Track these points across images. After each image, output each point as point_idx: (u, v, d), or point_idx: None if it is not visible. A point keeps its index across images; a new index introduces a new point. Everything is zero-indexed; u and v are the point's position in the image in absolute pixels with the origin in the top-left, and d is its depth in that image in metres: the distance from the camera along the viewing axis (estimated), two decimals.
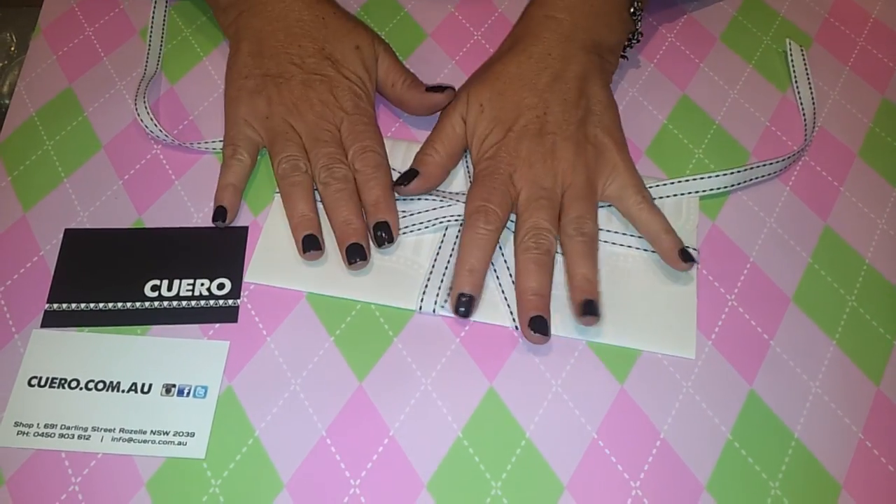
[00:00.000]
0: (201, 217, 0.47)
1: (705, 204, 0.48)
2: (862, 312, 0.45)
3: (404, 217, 0.45)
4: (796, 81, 0.53)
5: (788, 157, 0.49)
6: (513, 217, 0.45)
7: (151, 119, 0.49)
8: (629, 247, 0.45)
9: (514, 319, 0.43)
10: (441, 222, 0.45)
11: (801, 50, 0.54)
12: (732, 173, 0.48)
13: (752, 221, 0.48)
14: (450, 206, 0.45)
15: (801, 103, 0.52)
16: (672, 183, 0.47)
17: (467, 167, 0.47)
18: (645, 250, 0.45)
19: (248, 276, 0.44)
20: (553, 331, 0.42)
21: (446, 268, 0.44)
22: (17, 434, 0.40)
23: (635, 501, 0.39)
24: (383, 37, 0.53)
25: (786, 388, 0.42)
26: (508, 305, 0.43)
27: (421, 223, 0.45)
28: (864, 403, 0.42)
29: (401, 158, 0.48)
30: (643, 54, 0.55)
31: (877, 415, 0.42)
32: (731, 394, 0.42)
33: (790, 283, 0.46)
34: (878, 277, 0.46)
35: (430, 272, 0.44)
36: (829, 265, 0.46)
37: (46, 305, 0.43)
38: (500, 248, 0.45)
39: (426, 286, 0.43)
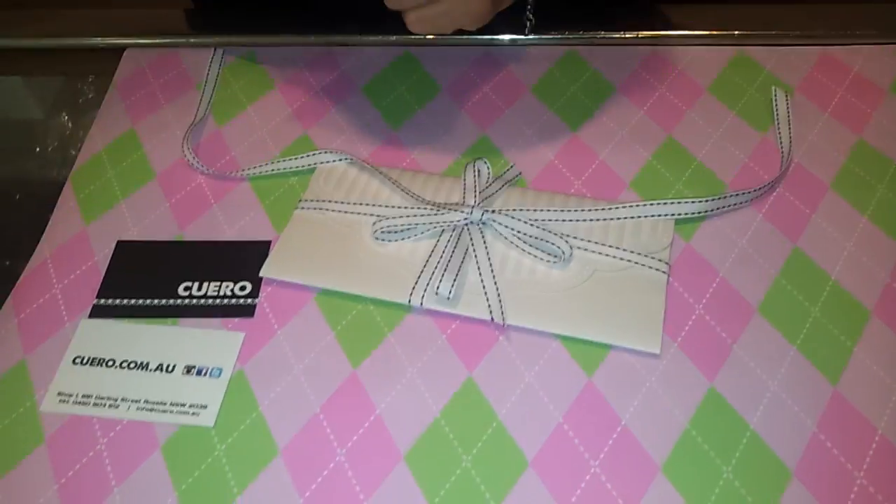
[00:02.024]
0: (233, 233, 0.54)
1: (681, 228, 0.52)
2: (824, 322, 0.48)
3: (405, 228, 0.51)
4: (778, 122, 0.58)
5: (763, 187, 0.53)
6: (489, 216, 0.50)
7: (192, 154, 0.57)
8: (607, 255, 0.50)
9: (491, 312, 0.48)
10: (436, 227, 0.51)
11: (786, 95, 0.59)
12: (707, 200, 0.52)
13: (725, 243, 0.52)
14: (444, 214, 0.51)
15: (780, 140, 0.57)
16: (649, 205, 0.52)
17: (465, 181, 0.53)
18: (620, 259, 0.50)
19: (263, 272, 0.51)
20: (528, 325, 0.47)
21: (435, 269, 0.49)
22: (59, 402, 0.46)
23: (593, 478, 0.42)
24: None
25: (745, 385, 0.45)
26: (487, 299, 0.48)
27: (419, 229, 0.51)
28: (820, 401, 0.45)
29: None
30: (634, 102, 0.61)
31: (832, 411, 0.44)
32: (692, 389, 0.45)
33: (756, 295, 0.49)
34: (842, 292, 0.49)
35: (422, 270, 0.50)
36: (795, 281, 0.50)
37: (95, 300, 0.51)
38: (484, 241, 0.50)
39: (416, 282, 0.49)
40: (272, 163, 0.57)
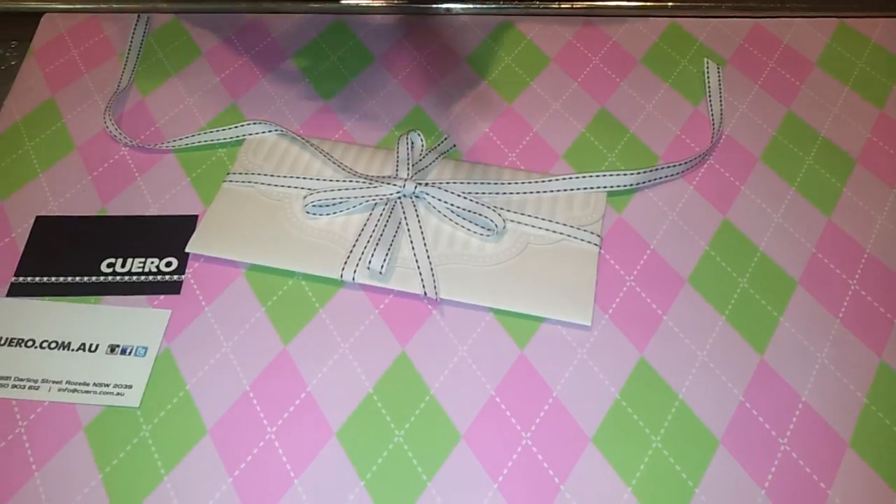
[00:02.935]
0: (157, 207, 0.52)
1: (613, 200, 0.53)
2: (752, 293, 0.49)
3: (336, 201, 0.50)
4: (709, 94, 0.58)
5: (693, 159, 0.54)
6: (422, 189, 0.50)
7: (115, 126, 0.55)
8: (539, 228, 0.50)
9: (423, 286, 0.47)
10: (368, 201, 0.50)
11: (718, 67, 0.60)
12: (639, 173, 0.52)
13: (656, 215, 0.52)
14: (377, 187, 0.50)
15: (712, 113, 0.57)
16: (582, 177, 0.52)
17: (398, 153, 0.52)
18: (553, 232, 0.50)
19: (190, 247, 0.49)
20: (461, 299, 0.47)
21: (367, 243, 0.49)
22: None
23: (525, 449, 0.42)
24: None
25: (675, 356, 0.46)
26: (420, 274, 0.48)
27: (351, 203, 0.50)
28: (747, 371, 0.45)
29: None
30: (568, 73, 0.60)
31: (758, 381, 0.45)
32: (623, 360, 0.46)
33: (686, 266, 0.50)
34: (769, 263, 0.50)
35: (354, 244, 0.49)
36: (724, 252, 0.50)
37: (13, 278, 0.49)
38: (417, 215, 0.50)
39: (348, 256, 0.48)
40: (199, 134, 0.55)
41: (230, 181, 0.53)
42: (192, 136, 0.55)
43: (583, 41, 0.63)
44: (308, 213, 0.50)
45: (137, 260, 0.50)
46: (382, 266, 0.47)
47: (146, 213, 0.52)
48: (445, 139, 0.55)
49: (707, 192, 0.53)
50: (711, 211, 0.52)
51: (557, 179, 0.52)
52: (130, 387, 0.45)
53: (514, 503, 0.41)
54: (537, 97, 0.59)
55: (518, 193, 0.51)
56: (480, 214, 0.49)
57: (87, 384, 0.45)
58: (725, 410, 0.44)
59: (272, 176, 0.53)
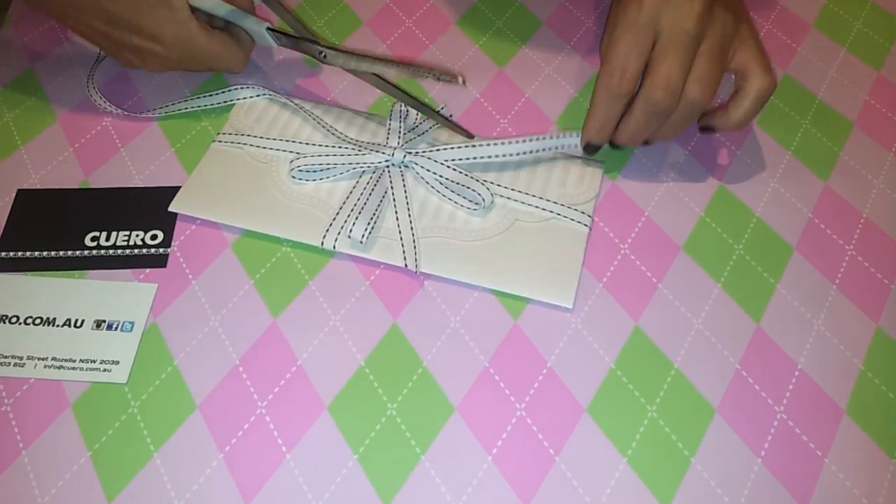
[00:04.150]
0: (142, 179, 0.51)
1: (608, 166, 0.52)
2: (748, 259, 0.48)
3: (323, 167, 0.49)
4: None
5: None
6: (411, 158, 0.49)
7: (98, 94, 0.54)
8: (528, 205, 0.49)
9: (405, 259, 0.46)
10: (356, 169, 0.49)
11: None
12: None
13: (650, 181, 0.51)
14: (365, 154, 0.49)
15: None
16: (569, 135, 0.50)
17: (389, 122, 0.51)
18: (543, 209, 0.49)
19: (174, 206, 0.49)
20: (443, 273, 0.46)
21: (351, 211, 0.48)
22: None
23: (519, 421, 0.42)
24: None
25: (670, 324, 0.45)
26: (402, 245, 0.47)
27: (338, 169, 0.49)
28: (743, 338, 0.45)
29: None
30: (561, 36, 0.59)
31: (754, 349, 0.45)
32: (617, 329, 0.45)
33: (681, 233, 0.49)
34: (766, 228, 0.49)
35: (337, 212, 0.48)
36: (719, 218, 0.50)
37: None
38: (404, 185, 0.49)
39: (330, 224, 0.47)
40: (185, 101, 0.54)
41: (220, 141, 0.52)
42: (180, 101, 0.54)
43: (574, 2, 0.61)
44: (294, 177, 0.49)
45: (122, 233, 0.49)
46: (364, 236, 0.46)
47: (130, 185, 0.51)
48: (443, 107, 0.53)
49: (702, 157, 0.52)
50: (707, 177, 0.51)
51: (544, 139, 0.49)
52: (117, 363, 0.44)
53: (509, 475, 0.40)
54: (529, 61, 0.58)
55: (512, 156, 0.50)
56: (468, 187, 0.48)
57: (74, 360, 0.44)
58: (721, 379, 0.43)
59: (261, 138, 0.51)
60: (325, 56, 0.51)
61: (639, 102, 0.45)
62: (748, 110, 0.47)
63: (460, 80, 0.48)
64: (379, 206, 0.48)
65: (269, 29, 0.52)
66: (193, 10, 0.50)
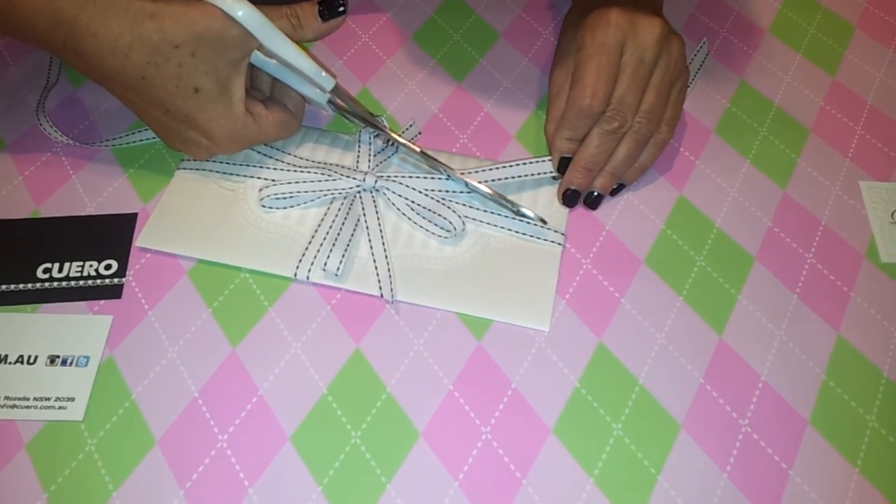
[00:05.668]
0: (94, 206, 0.50)
1: None
2: (709, 271, 0.48)
3: (293, 195, 0.48)
4: None
5: None
6: (383, 183, 0.49)
7: (49, 123, 0.52)
8: (501, 227, 0.48)
9: (380, 289, 0.46)
10: (326, 195, 0.48)
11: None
12: None
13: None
14: (336, 180, 0.48)
15: None
16: (537, 162, 0.50)
17: (358, 145, 0.51)
18: (515, 232, 0.48)
19: (140, 241, 0.48)
20: (419, 301, 0.46)
21: (323, 241, 0.47)
22: None
23: (485, 444, 0.42)
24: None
25: (633, 339, 0.45)
26: (378, 275, 0.46)
27: (308, 196, 0.48)
28: (706, 352, 0.45)
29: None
30: (519, 49, 0.59)
31: (718, 362, 0.45)
32: (581, 346, 0.45)
33: (643, 247, 0.49)
34: (726, 239, 0.49)
35: (309, 242, 0.47)
36: (680, 230, 0.50)
37: None
38: (376, 211, 0.48)
39: (303, 255, 0.47)
40: (136, 132, 0.53)
41: (184, 168, 0.50)
42: (131, 133, 0.53)
43: (531, 14, 0.61)
44: (263, 206, 0.49)
45: (75, 264, 0.47)
46: (339, 268, 0.46)
47: (83, 213, 0.50)
48: (411, 125, 0.53)
49: (662, 168, 0.52)
50: (667, 188, 0.51)
51: (513, 165, 0.50)
52: (73, 399, 0.43)
53: (476, 500, 0.40)
54: (487, 75, 0.57)
55: (485, 182, 0.49)
56: (439, 214, 0.47)
57: (27, 399, 0.43)
58: (686, 394, 0.43)
59: (226, 163, 0.50)
60: (390, 142, 0.51)
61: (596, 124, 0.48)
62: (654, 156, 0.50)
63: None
64: (352, 235, 0.47)
65: (329, 102, 0.50)
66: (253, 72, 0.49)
